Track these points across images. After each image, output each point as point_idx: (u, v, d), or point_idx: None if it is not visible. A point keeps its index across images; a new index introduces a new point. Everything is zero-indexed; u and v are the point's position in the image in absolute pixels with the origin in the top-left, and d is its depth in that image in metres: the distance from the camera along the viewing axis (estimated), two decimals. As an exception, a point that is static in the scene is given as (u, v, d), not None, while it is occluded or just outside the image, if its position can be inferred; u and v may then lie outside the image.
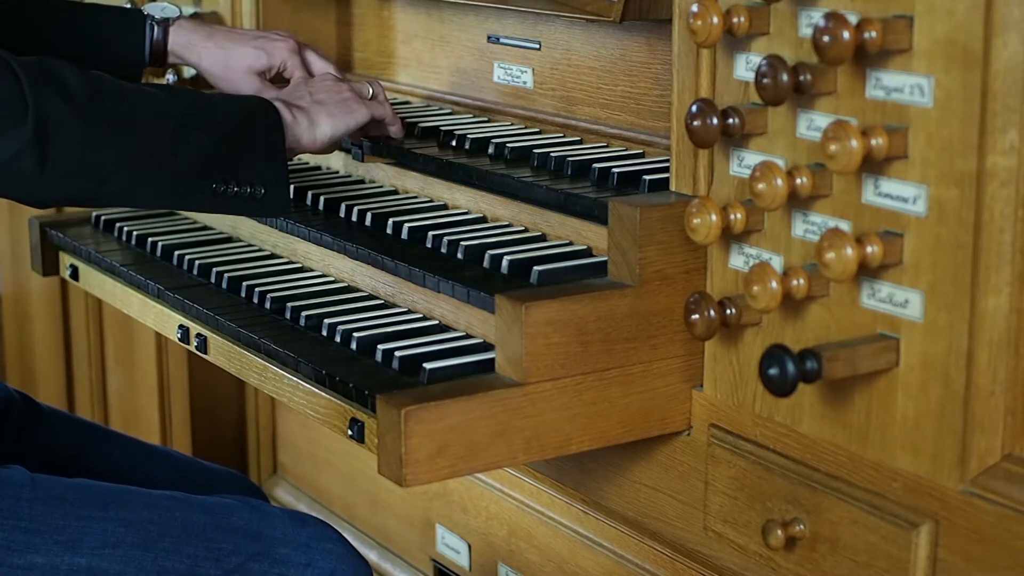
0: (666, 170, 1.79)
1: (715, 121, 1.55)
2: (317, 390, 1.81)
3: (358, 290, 2.06)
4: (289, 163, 1.94)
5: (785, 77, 1.46)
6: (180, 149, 1.84)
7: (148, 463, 2.20)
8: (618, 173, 1.90)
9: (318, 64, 2.24)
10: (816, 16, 1.48)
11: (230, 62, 2.20)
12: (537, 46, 2.23)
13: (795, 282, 1.47)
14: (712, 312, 1.53)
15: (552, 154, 2.01)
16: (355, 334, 1.84)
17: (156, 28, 2.20)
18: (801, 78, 1.47)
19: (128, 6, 2.35)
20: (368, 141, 2.22)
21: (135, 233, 2.41)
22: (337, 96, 2.05)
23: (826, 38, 1.39)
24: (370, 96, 2.13)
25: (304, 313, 1.95)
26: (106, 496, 1.85)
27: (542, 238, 1.92)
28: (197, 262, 2.21)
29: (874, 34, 1.41)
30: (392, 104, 2.24)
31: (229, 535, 1.85)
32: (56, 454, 2.14)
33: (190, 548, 1.83)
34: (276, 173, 1.91)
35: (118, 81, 1.84)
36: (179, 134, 1.83)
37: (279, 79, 2.23)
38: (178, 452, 2.40)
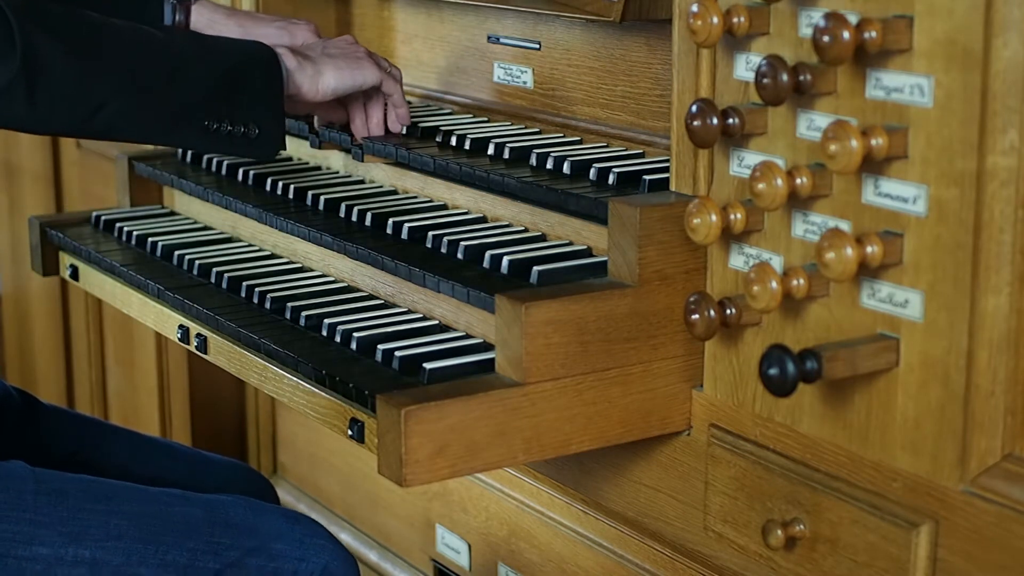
0: (666, 170, 1.79)
1: (715, 121, 1.55)
2: (317, 390, 1.81)
3: (358, 290, 2.06)
4: (288, 117, 1.95)
5: (785, 77, 1.46)
6: (174, 84, 1.86)
7: (150, 457, 2.21)
8: (618, 173, 1.89)
9: None
10: (816, 16, 1.48)
11: None
12: (537, 46, 2.23)
13: (795, 282, 1.47)
14: (712, 312, 1.53)
15: (552, 154, 2.00)
16: (355, 334, 1.84)
17: (177, 9, 2.19)
18: (801, 78, 1.47)
19: None
20: (369, 141, 2.21)
21: (135, 233, 2.41)
22: (351, 53, 2.06)
23: (826, 38, 1.39)
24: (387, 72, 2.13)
25: (304, 313, 1.95)
26: (107, 491, 1.86)
27: (542, 238, 1.92)
28: (197, 262, 2.21)
29: (874, 34, 1.41)
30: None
31: (227, 530, 1.86)
32: (55, 450, 2.14)
33: (190, 542, 1.84)
34: (271, 114, 1.92)
35: (109, 19, 1.86)
36: (174, 70, 1.85)
37: None
38: (180, 444, 2.40)
